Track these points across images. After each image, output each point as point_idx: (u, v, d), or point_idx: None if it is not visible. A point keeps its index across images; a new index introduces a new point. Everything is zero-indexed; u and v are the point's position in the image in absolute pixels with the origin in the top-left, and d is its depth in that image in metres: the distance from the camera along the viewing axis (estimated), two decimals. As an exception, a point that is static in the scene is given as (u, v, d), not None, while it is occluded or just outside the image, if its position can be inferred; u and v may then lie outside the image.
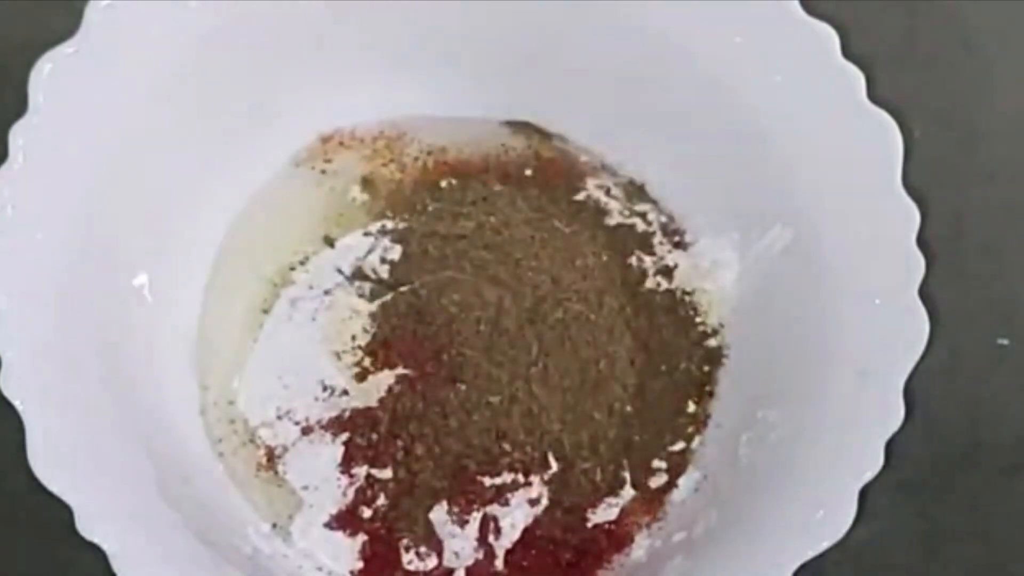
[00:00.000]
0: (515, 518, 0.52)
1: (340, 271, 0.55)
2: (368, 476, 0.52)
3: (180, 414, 0.52)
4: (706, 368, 0.54)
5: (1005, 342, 0.55)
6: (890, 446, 0.45)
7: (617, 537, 0.52)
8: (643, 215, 0.56)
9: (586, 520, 0.52)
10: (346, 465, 0.52)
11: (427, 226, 0.55)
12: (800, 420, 0.49)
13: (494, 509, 0.52)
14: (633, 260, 0.56)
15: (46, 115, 0.46)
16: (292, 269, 0.55)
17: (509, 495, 0.52)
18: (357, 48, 0.54)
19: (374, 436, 0.52)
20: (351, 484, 0.52)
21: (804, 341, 0.50)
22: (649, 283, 0.55)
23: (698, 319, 0.55)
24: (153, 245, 0.52)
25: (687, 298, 0.55)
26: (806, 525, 0.45)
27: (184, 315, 0.54)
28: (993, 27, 0.59)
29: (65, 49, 0.46)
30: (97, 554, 0.42)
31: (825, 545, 0.44)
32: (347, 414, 0.53)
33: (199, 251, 0.54)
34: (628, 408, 0.53)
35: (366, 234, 0.55)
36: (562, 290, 0.54)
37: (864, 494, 0.45)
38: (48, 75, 0.46)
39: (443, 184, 0.56)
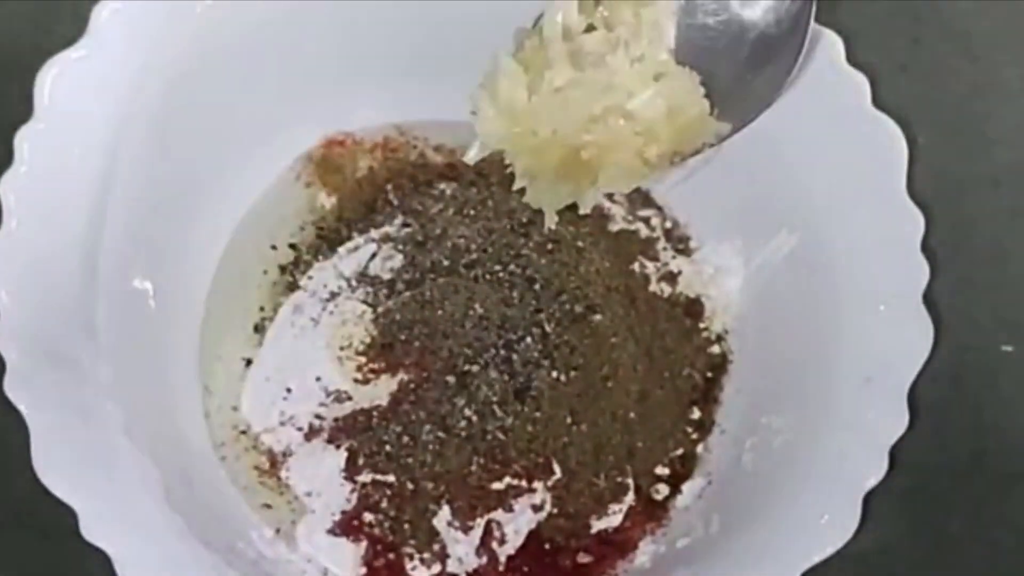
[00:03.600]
0: (519, 524, 0.52)
1: (343, 276, 0.55)
2: (371, 482, 0.52)
3: (184, 419, 0.52)
4: (710, 374, 0.54)
5: (1009, 348, 0.55)
6: (894, 452, 0.45)
7: (621, 543, 0.52)
8: (647, 220, 0.56)
9: (590, 526, 0.52)
10: (349, 471, 0.52)
11: (430, 231, 0.55)
12: (804, 426, 0.49)
13: (498, 515, 0.52)
14: (636, 266, 0.56)
15: (51, 119, 0.46)
16: (295, 275, 0.55)
17: (512, 501, 0.52)
18: (362, 52, 0.54)
19: (377, 442, 0.52)
20: (354, 490, 0.52)
21: (808, 347, 0.50)
22: (653, 289, 0.56)
23: (702, 325, 0.55)
24: (158, 250, 0.52)
25: (691, 304, 0.55)
26: (810, 531, 0.45)
27: (188, 319, 0.54)
28: (997, 35, 0.59)
29: (70, 54, 0.46)
30: (101, 558, 0.42)
31: (829, 551, 0.44)
32: (350, 420, 0.53)
33: (203, 255, 0.55)
34: (631, 414, 0.53)
35: (369, 239, 0.55)
36: (565, 296, 0.54)
37: (868, 500, 0.45)
38: (53, 79, 0.46)
39: (447, 188, 0.56)
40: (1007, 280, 0.56)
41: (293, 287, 0.55)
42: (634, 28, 0.44)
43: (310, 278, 0.55)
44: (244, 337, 0.54)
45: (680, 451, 0.53)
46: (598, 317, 0.53)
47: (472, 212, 0.55)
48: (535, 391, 0.52)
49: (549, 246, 0.55)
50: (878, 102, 0.48)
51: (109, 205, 0.49)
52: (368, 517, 0.52)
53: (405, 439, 0.52)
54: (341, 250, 0.55)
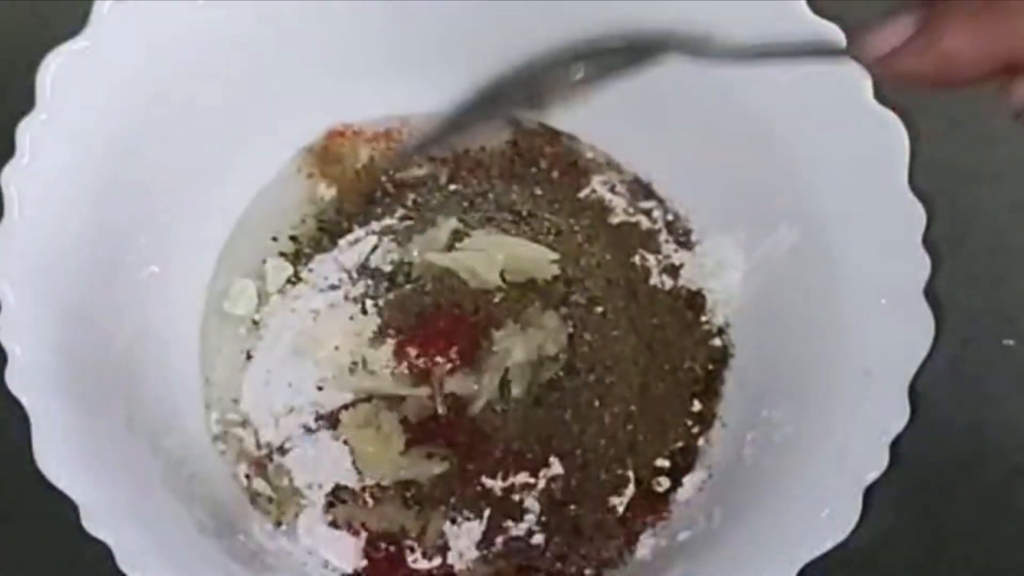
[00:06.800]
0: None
1: (344, 268, 0.55)
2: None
3: (185, 411, 0.52)
4: (711, 367, 0.54)
5: (1011, 343, 0.55)
6: (895, 446, 0.45)
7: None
8: (648, 213, 0.56)
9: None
10: (350, 463, 0.52)
11: (432, 223, 0.55)
12: (805, 419, 0.49)
13: (499, 508, 0.52)
14: (637, 259, 0.56)
15: (54, 111, 0.46)
16: (296, 266, 0.55)
17: (513, 495, 0.52)
18: (364, 45, 0.54)
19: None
20: (355, 482, 0.52)
21: (810, 341, 0.50)
22: (654, 282, 0.55)
23: (703, 318, 0.55)
24: (159, 241, 0.52)
25: (692, 297, 0.55)
26: (811, 525, 0.45)
27: (189, 311, 0.54)
28: (1000, 27, 0.59)
29: (72, 45, 0.46)
30: (102, 549, 0.42)
31: (829, 545, 0.44)
32: (351, 412, 0.53)
33: (204, 247, 0.55)
34: (632, 407, 0.53)
35: (370, 231, 0.55)
36: (566, 288, 0.53)
37: (869, 494, 0.45)
38: (55, 71, 0.46)
39: (448, 181, 0.56)
40: (1009, 274, 0.56)
41: (294, 279, 0.55)
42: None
43: (311, 270, 0.55)
44: (244, 329, 0.54)
45: (681, 444, 0.53)
46: (599, 310, 0.53)
47: (474, 204, 0.55)
48: (536, 384, 0.52)
49: (550, 238, 0.54)
50: (880, 96, 0.47)
51: (110, 196, 0.49)
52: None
53: (406, 431, 0.52)
54: (342, 242, 0.55)
